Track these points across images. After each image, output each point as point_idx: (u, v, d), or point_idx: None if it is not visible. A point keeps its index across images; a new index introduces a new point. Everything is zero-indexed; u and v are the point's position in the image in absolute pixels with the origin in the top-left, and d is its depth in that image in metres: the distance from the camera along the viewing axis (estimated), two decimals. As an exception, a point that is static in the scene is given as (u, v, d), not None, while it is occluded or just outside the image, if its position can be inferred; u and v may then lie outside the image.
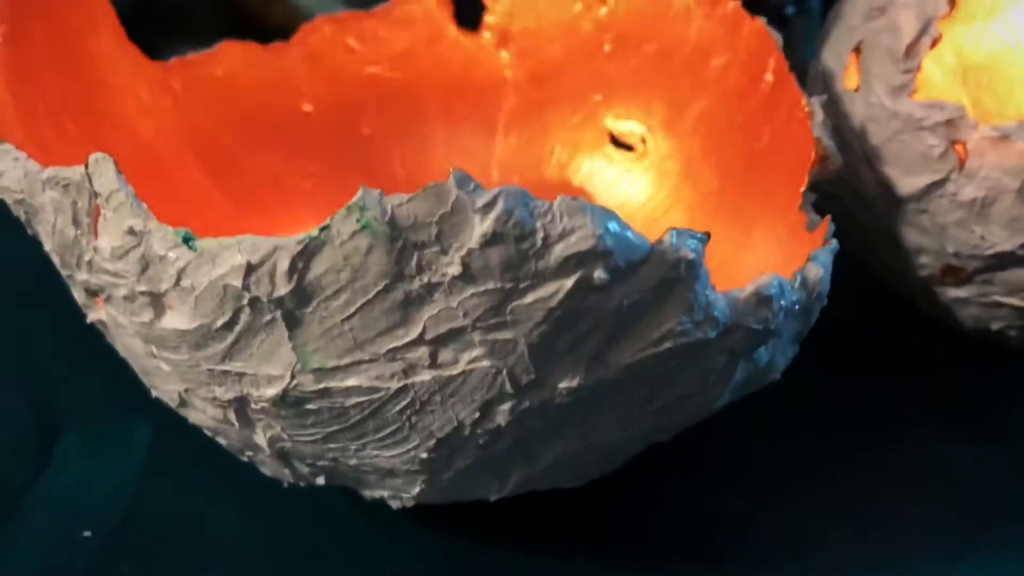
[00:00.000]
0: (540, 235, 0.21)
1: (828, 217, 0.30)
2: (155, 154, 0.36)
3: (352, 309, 0.22)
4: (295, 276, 0.22)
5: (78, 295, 0.27)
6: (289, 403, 0.24)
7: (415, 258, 0.21)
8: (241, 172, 0.39)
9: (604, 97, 0.41)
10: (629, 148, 0.41)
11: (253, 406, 0.24)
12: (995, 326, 0.37)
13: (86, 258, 0.24)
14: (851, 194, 0.37)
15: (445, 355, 0.22)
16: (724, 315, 0.24)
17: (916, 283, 0.37)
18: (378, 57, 0.41)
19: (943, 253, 0.35)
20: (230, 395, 0.24)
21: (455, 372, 0.23)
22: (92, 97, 0.33)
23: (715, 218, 0.38)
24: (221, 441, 0.28)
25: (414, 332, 0.22)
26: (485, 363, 0.22)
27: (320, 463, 0.26)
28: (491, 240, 0.21)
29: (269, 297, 0.22)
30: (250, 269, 0.22)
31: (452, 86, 0.42)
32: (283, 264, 0.21)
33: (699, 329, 0.23)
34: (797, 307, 0.26)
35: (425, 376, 0.22)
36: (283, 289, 0.22)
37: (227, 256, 0.22)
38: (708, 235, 0.23)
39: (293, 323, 0.22)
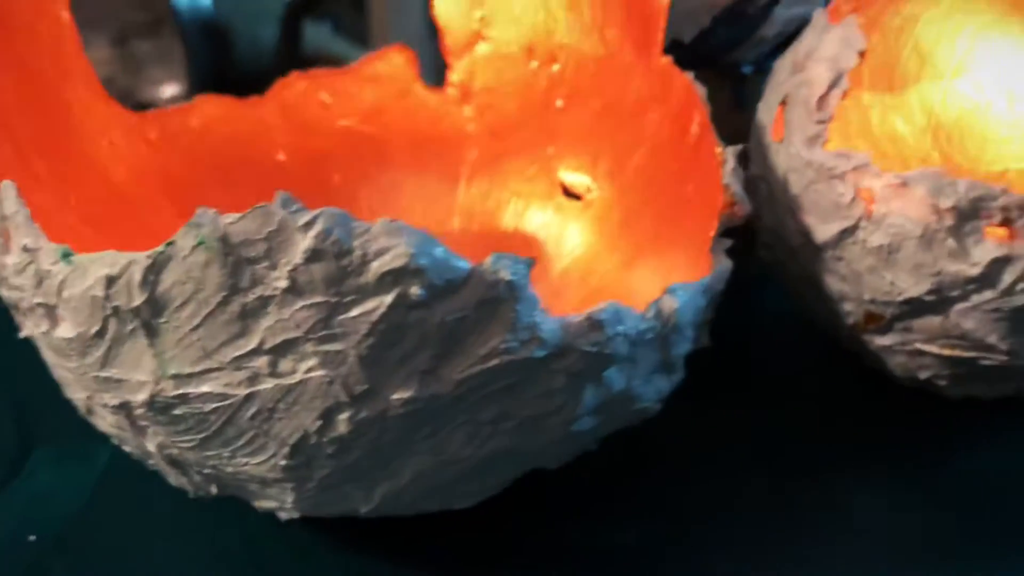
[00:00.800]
0: (358, 253, 0.23)
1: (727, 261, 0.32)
2: (128, 196, 0.40)
3: (198, 320, 0.24)
4: (148, 287, 0.24)
5: (13, 313, 0.30)
6: (158, 408, 0.26)
7: (248, 272, 0.23)
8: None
9: (557, 150, 0.43)
10: (578, 198, 0.42)
11: (135, 412, 0.27)
12: (923, 375, 0.37)
13: (2, 275, 0.27)
14: (781, 244, 0.38)
15: (284, 364, 0.24)
16: (553, 336, 0.25)
17: (845, 331, 0.38)
18: (349, 111, 0.44)
19: (862, 300, 0.36)
20: (116, 401, 0.27)
21: (294, 381, 0.25)
22: (64, 140, 0.36)
23: (649, 262, 0.39)
24: (127, 450, 0.30)
25: (253, 342, 0.24)
26: (320, 372, 0.24)
27: (206, 471, 0.28)
28: (313, 256, 0.23)
29: (128, 307, 0.24)
30: (110, 281, 0.24)
31: (419, 138, 0.44)
32: (136, 276, 0.24)
33: (525, 348, 0.25)
34: (650, 336, 0.27)
35: (268, 384, 0.25)
36: (138, 299, 0.24)
37: (94, 269, 0.24)
38: (533, 260, 0.25)
39: (151, 332, 0.25)
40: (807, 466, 0.36)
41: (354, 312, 0.24)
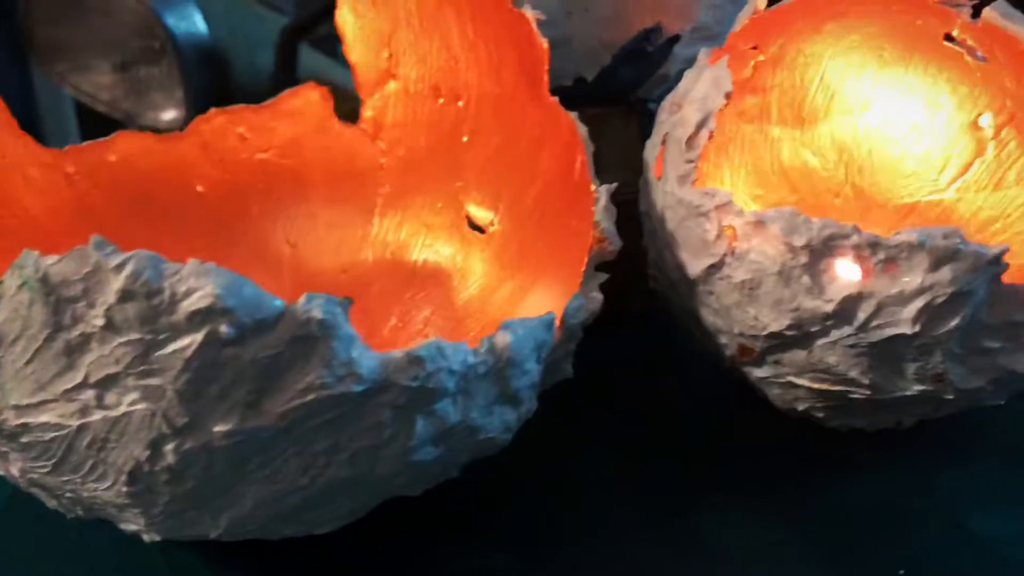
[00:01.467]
0: (168, 293, 0.25)
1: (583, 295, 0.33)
2: (45, 229, 0.41)
3: (29, 354, 0.26)
4: (-14, 323, 0.26)
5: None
6: (6, 435, 0.27)
7: (69, 311, 0.25)
8: (132, 248, 0.43)
9: (463, 184, 0.44)
10: (482, 230, 0.44)
11: (-8, 439, 0.28)
12: (800, 407, 0.38)
13: None
14: (663, 277, 0.39)
15: (110, 397, 0.26)
16: (372, 372, 0.26)
17: (726, 363, 0.39)
18: (267, 145, 0.45)
19: (733, 333, 0.37)
20: (-26, 429, 0.28)
21: (119, 413, 0.26)
22: (-25, 175, 0.38)
23: (542, 291, 0.41)
24: (1, 473, 0.32)
25: (79, 376, 0.26)
26: (143, 406, 0.26)
27: (68, 495, 0.30)
28: (125, 296, 0.24)
29: (-28, 340, 0.26)
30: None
31: (335, 172, 0.46)
32: (-25, 313, 0.26)
33: (342, 383, 0.26)
34: (483, 370, 0.29)
35: (97, 416, 0.26)
36: (-22, 334, 0.26)
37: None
38: (349, 300, 0.26)
39: (-7, 364, 0.26)
40: (682, 496, 0.37)
41: (169, 349, 0.25)
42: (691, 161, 0.37)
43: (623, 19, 0.42)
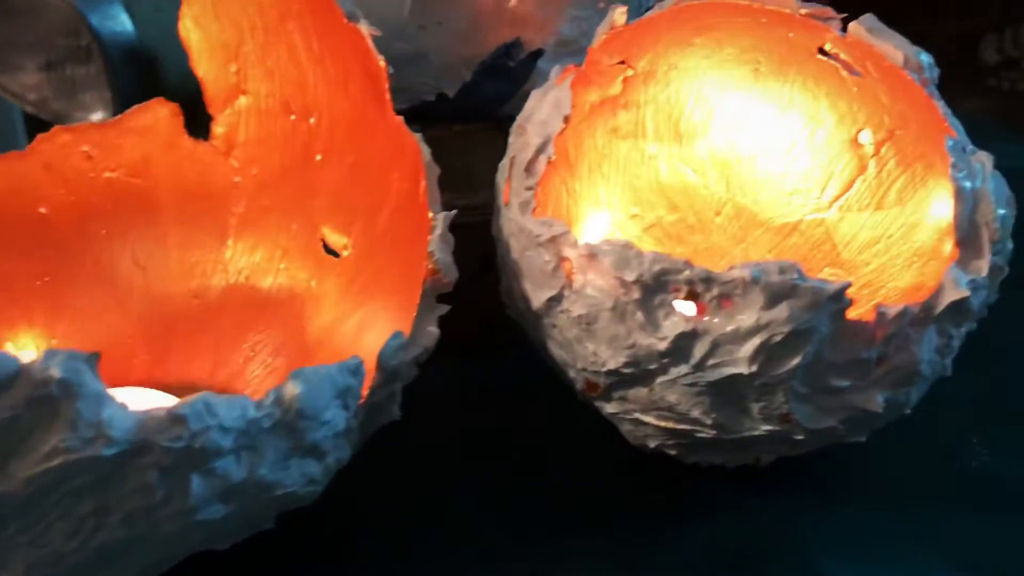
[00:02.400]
0: None
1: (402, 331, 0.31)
2: None
3: None
4: None
5: None
6: None
7: None
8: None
9: (318, 205, 0.42)
10: (336, 255, 0.42)
11: None
12: (651, 444, 0.36)
13: None
14: (514, 306, 0.37)
15: None
16: (127, 434, 0.24)
17: (580, 397, 0.37)
18: (115, 164, 0.43)
19: (578, 368, 0.35)
20: None
21: None
22: None
23: (394, 321, 0.39)
24: None
25: None
26: None
27: None
28: None
29: None
30: None
31: (187, 191, 0.44)
32: None
33: (90, 446, 0.24)
34: (268, 424, 0.27)
35: None
36: None
37: None
38: (96, 355, 0.24)
39: None
40: (523, 537, 0.35)
41: None
42: (530, 188, 0.35)
43: (480, 33, 0.40)
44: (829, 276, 0.44)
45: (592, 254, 0.32)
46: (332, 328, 0.40)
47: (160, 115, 0.43)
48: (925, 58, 0.37)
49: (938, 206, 0.40)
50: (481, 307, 0.40)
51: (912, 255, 0.41)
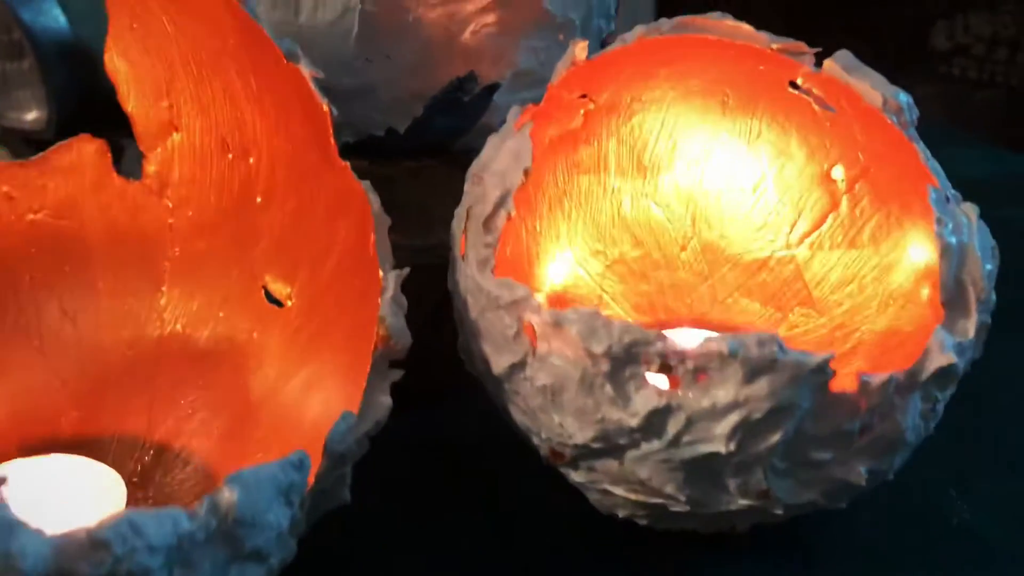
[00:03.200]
0: None
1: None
2: None
3: None
4: None
5: None
6: None
7: None
8: None
9: (260, 251, 0.39)
10: (280, 304, 0.39)
11: None
12: (621, 513, 0.34)
13: None
14: (472, 365, 0.35)
15: None
16: (41, 563, 0.22)
17: (545, 462, 0.35)
18: (39, 205, 0.40)
19: (542, 437, 0.33)
20: None
21: None
22: None
23: (336, 386, 0.36)
24: None
25: None
26: None
27: None
28: None
29: None
30: None
31: (117, 233, 0.40)
32: None
33: (-2, 580, 0.21)
34: (202, 536, 0.24)
35: None
36: None
37: None
38: (4, 478, 0.21)
39: None
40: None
41: None
42: (489, 245, 0.32)
43: (431, 67, 0.37)
44: (800, 316, 0.42)
45: (557, 322, 0.29)
46: (276, 386, 0.38)
47: (86, 152, 0.40)
48: (904, 99, 0.35)
49: (915, 249, 0.38)
50: (435, 355, 0.37)
51: (887, 297, 0.39)
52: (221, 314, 0.40)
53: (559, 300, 0.43)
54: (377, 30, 0.35)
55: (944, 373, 0.31)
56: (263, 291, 0.39)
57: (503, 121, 0.37)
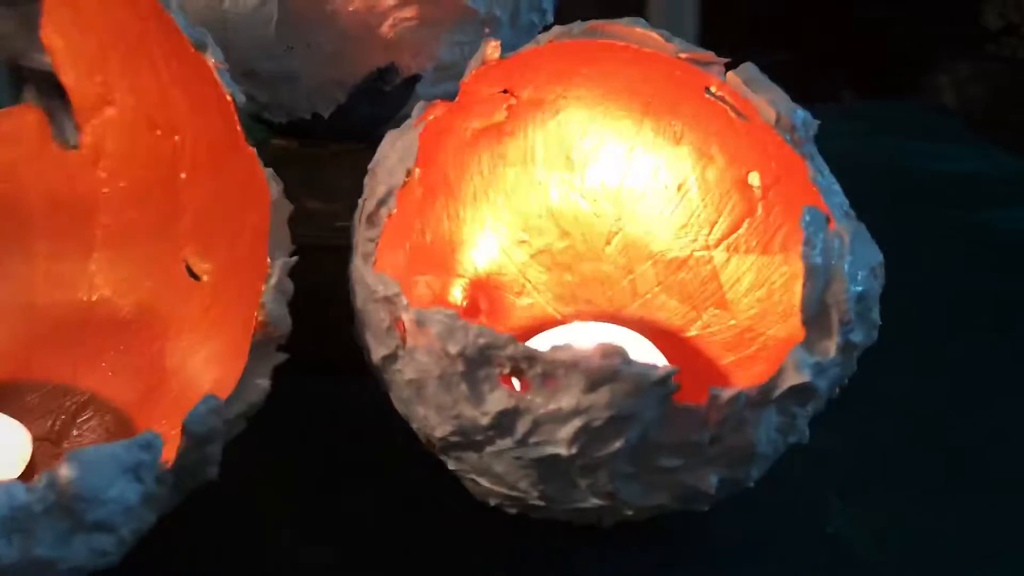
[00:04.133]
0: None
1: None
2: None
3: None
4: None
5: None
6: None
7: None
8: None
9: (183, 226, 0.41)
10: (198, 278, 0.40)
11: None
12: (492, 502, 0.35)
13: None
14: (365, 354, 0.36)
15: None
16: None
17: (426, 448, 0.36)
18: (-20, 169, 0.42)
19: (415, 426, 0.34)
20: None
21: None
22: None
23: (236, 362, 0.37)
24: None
25: None
26: None
27: None
28: None
29: None
30: None
31: (55, 200, 0.42)
32: None
33: None
34: (40, 508, 0.26)
35: None
36: None
37: None
38: None
39: None
40: None
41: None
42: (372, 240, 0.33)
43: (351, 57, 0.38)
44: (712, 316, 0.43)
45: (420, 321, 0.31)
46: (185, 357, 0.40)
47: (27, 121, 0.42)
48: (800, 116, 0.35)
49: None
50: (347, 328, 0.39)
51: (790, 306, 0.40)
52: (146, 283, 0.42)
53: (483, 286, 0.44)
54: (297, 19, 0.36)
55: (801, 390, 0.32)
56: (185, 265, 0.41)
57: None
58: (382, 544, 0.37)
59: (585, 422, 0.30)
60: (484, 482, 0.34)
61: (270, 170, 0.35)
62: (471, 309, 0.44)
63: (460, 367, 0.31)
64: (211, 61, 0.34)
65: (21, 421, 0.38)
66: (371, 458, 0.40)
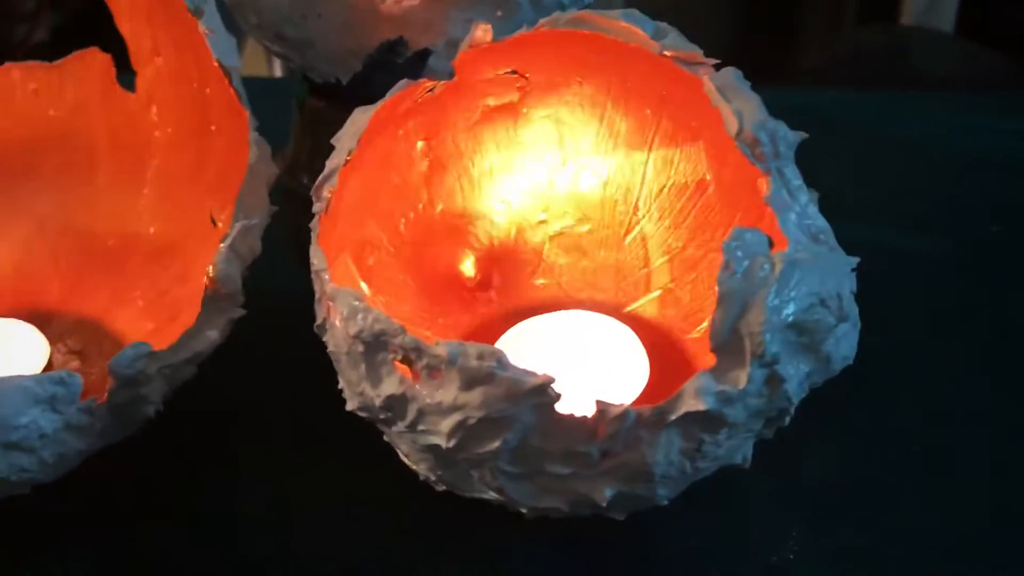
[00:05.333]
0: None
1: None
2: None
3: None
4: None
5: None
6: None
7: None
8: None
9: (210, 175, 0.44)
10: (215, 223, 0.43)
11: None
12: (420, 476, 0.37)
13: None
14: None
15: None
16: None
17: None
18: (58, 104, 0.46)
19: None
20: None
21: None
22: None
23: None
24: None
25: None
26: None
27: None
28: None
29: None
30: None
31: (116, 137, 0.46)
32: None
33: None
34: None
35: None
36: None
37: None
38: None
39: None
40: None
41: None
42: (315, 212, 0.35)
43: (360, 29, 0.39)
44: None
45: (332, 299, 0.32)
46: (197, 296, 0.42)
47: (96, 63, 0.45)
48: (771, 129, 0.33)
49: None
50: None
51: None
52: (181, 224, 0.45)
53: (498, 262, 0.45)
54: (306, -6, 0.38)
55: (704, 418, 0.31)
56: (208, 211, 0.44)
57: (447, 73, 0.39)
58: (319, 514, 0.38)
59: (462, 418, 0.30)
60: (404, 458, 0.35)
61: (255, 134, 0.37)
62: (483, 283, 0.45)
63: (360, 348, 0.32)
64: (201, 28, 0.36)
65: (49, 335, 0.42)
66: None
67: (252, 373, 0.43)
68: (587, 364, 0.39)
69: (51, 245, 0.46)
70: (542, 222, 0.45)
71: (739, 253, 0.31)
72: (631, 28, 0.36)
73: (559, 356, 0.39)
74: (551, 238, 0.45)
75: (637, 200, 0.44)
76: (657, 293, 0.44)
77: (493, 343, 0.41)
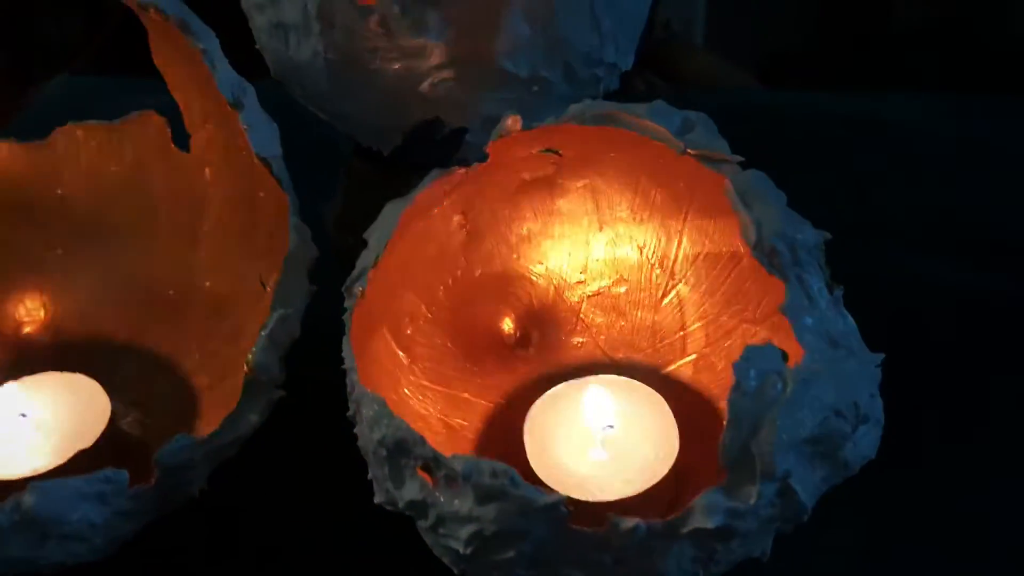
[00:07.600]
0: None
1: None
2: None
3: None
4: None
5: None
6: None
7: None
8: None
9: (260, 240, 0.45)
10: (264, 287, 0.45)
11: None
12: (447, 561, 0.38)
13: None
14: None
15: None
16: None
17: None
18: (119, 161, 0.49)
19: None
20: None
21: None
22: None
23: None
24: None
25: None
26: None
27: None
28: None
29: None
30: None
31: (174, 193, 0.49)
32: None
33: None
34: (8, 524, 0.32)
35: None
36: None
37: None
38: None
39: None
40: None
41: None
42: (347, 309, 0.36)
43: (397, 109, 0.40)
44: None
45: (359, 400, 0.34)
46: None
47: (154, 123, 0.47)
48: (791, 237, 0.34)
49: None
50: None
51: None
52: (232, 282, 0.47)
53: (537, 321, 0.46)
54: (342, 75, 0.39)
55: (716, 532, 0.32)
56: (259, 273, 0.45)
57: (477, 158, 0.40)
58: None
59: (478, 529, 0.32)
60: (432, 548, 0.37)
61: (295, 219, 0.39)
62: (522, 341, 0.46)
63: (384, 451, 0.33)
64: (241, 123, 0.37)
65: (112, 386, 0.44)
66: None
67: (289, 451, 0.44)
68: (618, 436, 0.40)
69: (115, 296, 0.48)
70: (580, 282, 0.46)
71: (751, 372, 0.31)
72: (655, 127, 0.36)
73: (590, 427, 0.40)
74: (588, 298, 0.46)
75: (673, 265, 0.44)
76: (692, 357, 0.44)
77: (531, 404, 0.42)
